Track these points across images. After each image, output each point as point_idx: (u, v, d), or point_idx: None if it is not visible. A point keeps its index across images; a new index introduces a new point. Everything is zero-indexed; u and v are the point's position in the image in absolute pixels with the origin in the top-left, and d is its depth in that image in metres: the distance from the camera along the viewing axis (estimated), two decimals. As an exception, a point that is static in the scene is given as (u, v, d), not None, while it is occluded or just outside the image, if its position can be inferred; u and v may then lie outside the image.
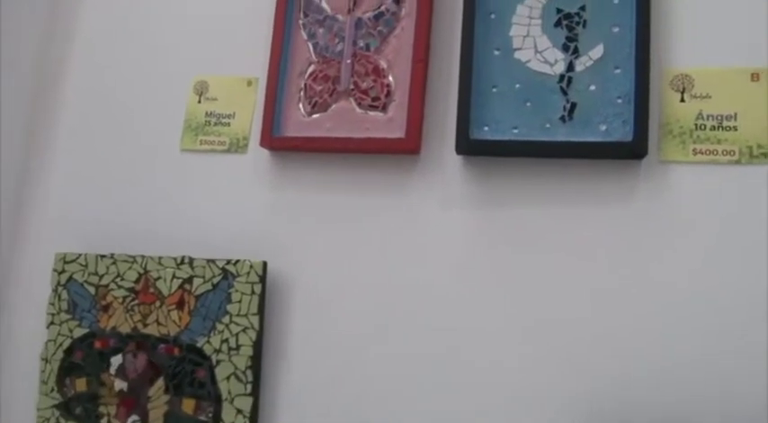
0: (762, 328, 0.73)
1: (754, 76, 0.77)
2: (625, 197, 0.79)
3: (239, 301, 0.87)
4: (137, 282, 0.92)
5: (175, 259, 0.91)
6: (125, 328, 0.92)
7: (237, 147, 0.96)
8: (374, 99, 0.90)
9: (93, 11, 1.09)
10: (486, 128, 0.84)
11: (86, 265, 0.95)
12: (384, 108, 0.89)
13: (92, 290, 0.94)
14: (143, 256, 0.92)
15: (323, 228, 0.90)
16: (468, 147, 0.83)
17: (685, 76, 0.80)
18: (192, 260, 0.90)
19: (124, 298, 0.92)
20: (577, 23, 0.83)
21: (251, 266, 0.87)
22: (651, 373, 0.75)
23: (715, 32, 0.80)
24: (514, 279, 0.82)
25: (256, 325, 0.86)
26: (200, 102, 0.99)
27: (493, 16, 0.86)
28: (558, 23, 0.84)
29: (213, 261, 0.89)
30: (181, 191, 0.98)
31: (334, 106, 0.92)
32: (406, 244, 0.86)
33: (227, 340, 0.87)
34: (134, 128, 1.02)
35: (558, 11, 0.84)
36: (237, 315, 0.87)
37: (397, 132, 0.87)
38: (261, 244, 0.91)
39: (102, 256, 0.94)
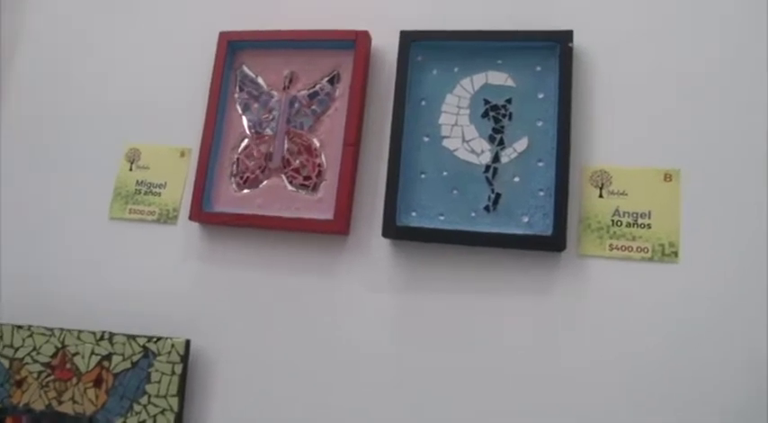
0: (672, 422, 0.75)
1: (667, 177, 0.81)
2: (544, 288, 0.81)
3: (159, 382, 0.85)
4: (53, 356, 0.89)
5: (95, 334, 0.88)
6: (39, 405, 0.88)
7: (167, 217, 0.95)
8: (305, 178, 0.90)
9: (28, 69, 1.07)
10: (413, 213, 0.85)
11: (1, 337, 0.91)
12: (315, 188, 0.90)
13: (6, 363, 0.90)
14: (61, 330, 0.89)
15: (249, 306, 0.89)
16: (394, 232, 0.84)
17: (604, 173, 0.82)
18: (112, 336, 0.88)
19: (39, 373, 0.89)
20: (503, 115, 0.86)
21: (172, 345, 0.86)
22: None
23: (632, 133, 0.83)
24: (433, 362, 0.82)
25: (175, 407, 0.84)
26: (131, 169, 0.98)
27: (423, 103, 0.88)
28: (485, 114, 0.86)
29: (134, 338, 0.87)
30: (107, 260, 0.95)
31: (265, 182, 0.92)
32: (331, 325, 0.86)
33: (144, 422, 0.84)
34: (62, 193, 1.00)
35: (486, 102, 0.86)
36: (156, 396, 0.85)
37: (327, 213, 0.87)
38: (185, 320, 0.90)
39: (19, 328, 0.91)
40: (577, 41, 0.85)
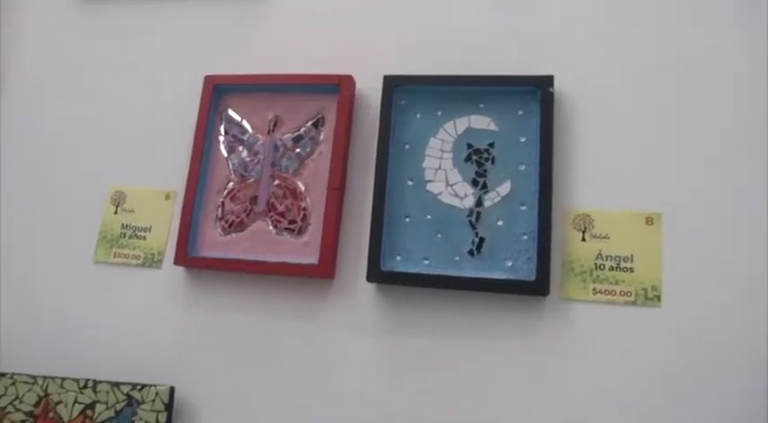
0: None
1: (649, 220, 0.81)
2: (528, 332, 0.81)
3: (142, 431, 0.84)
4: (36, 405, 0.88)
5: (78, 382, 0.87)
6: (20, 455, 0.87)
7: (152, 262, 0.95)
8: (291, 222, 0.90)
9: (12, 111, 1.07)
10: (398, 257, 0.86)
11: (-16, 385, 0.90)
12: (300, 232, 0.90)
13: (-13, 412, 0.89)
14: (44, 378, 0.88)
15: (234, 351, 0.88)
16: (379, 277, 0.84)
17: (586, 216, 0.83)
18: (95, 384, 0.87)
19: (22, 422, 0.88)
20: (486, 159, 0.86)
21: (156, 393, 0.85)
22: None
23: (613, 176, 0.84)
24: (419, 406, 0.81)
25: (159, 456, 0.83)
26: (116, 213, 0.98)
27: (407, 147, 0.89)
28: (468, 158, 0.87)
29: (118, 385, 0.86)
30: (91, 306, 0.95)
31: (251, 227, 0.92)
32: (317, 369, 0.86)
33: (127, 472, 0.83)
34: (46, 236, 1.00)
35: (469, 146, 0.87)
36: (140, 445, 0.84)
37: (312, 257, 0.87)
38: (170, 366, 0.89)
39: (2, 375, 0.90)
40: (558, 86, 0.86)
